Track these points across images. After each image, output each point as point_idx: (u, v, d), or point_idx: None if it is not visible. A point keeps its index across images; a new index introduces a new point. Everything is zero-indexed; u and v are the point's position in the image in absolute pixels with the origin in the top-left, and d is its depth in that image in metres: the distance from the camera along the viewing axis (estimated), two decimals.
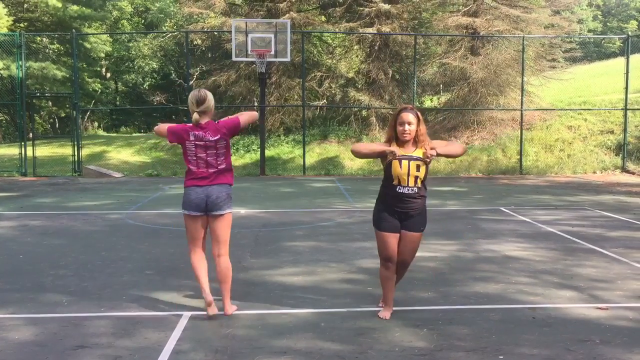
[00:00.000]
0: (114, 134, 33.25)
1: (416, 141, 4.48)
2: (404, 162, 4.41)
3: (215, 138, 4.60)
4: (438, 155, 4.42)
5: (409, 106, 4.53)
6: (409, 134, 4.42)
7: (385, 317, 4.61)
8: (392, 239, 4.55)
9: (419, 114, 4.48)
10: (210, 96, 4.67)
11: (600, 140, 19.02)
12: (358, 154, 4.54)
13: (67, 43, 26.63)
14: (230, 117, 4.77)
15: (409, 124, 4.41)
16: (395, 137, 4.51)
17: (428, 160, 4.42)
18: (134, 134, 33.00)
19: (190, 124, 4.65)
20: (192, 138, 4.60)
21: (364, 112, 21.58)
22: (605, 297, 5.18)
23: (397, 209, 4.52)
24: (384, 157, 4.49)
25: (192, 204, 4.62)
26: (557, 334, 4.27)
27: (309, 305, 4.94)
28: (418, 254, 6.84)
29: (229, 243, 4.81)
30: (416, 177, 4.44)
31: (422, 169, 4.45)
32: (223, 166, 4.66)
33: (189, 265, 6.25)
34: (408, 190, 4.46)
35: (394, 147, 4.41)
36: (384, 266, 4.63)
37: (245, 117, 4.81)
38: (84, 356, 3.90)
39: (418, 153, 4.45)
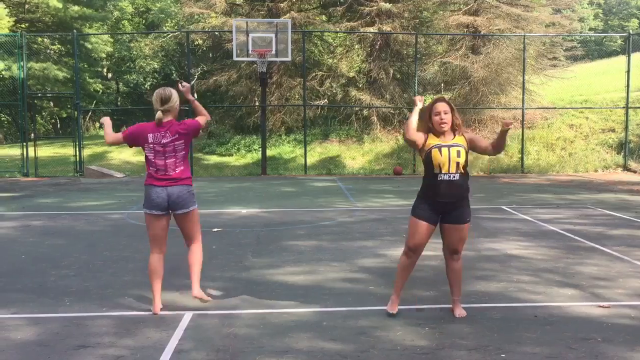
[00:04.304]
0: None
1: (454, 130, 4.49)
2: (444, 150, 4.40)
3: (173, 138, 4.60)
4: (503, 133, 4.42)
5: (442, 97, 4.57)
6: (446, 122, 4.42)
7: (393, 311, 4.60)
8: (424, 228, 4.49)
9: (451, 104, 4.51)
10: (175, 96, 4.65)
11: (602, 138, 19.01)
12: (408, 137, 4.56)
13: (68, 43, 26.63)
14: (191, 119, 4.77)
15: (445, 112, 4.42)
16: (431, 129, 4.49)
17: (507, 128, 4.38)
18: None
19: (150, 123, 4.66)
20: (150, 140, 4.60)
21: (365, 112, 21.58)
22: (607, 295, 5.17)
23: (439, 199, 4.44)
24: (422, 148, 4.49)
25: (153, 203, 4.63)
26: (559, 333, 4.26)
27: (311, 305, 4.94)
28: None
29: (200, 234, 4.86)
30: (457, 163, 4.41)
31: (463, 154, 4.42)
32: (182, 168, 4.66)
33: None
34: (449, 177, 4.41)
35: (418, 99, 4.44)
36: (406, 255, 4.59)
37: (203, 120, 4.80)
38: (86, 356, 3.90)
39: (458, 140, 4.46)
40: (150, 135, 4.60)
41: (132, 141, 4.72)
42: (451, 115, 4.44)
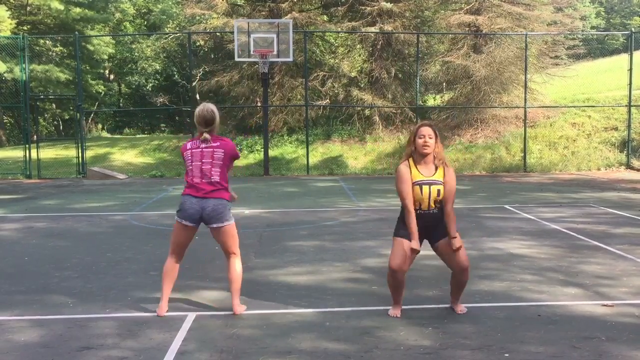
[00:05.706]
0: (118, 136, 33.29)
1: (434, 158, 4.54)
2: (425, 188, 4.47)
3: (214, 145, 4.63)
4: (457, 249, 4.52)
5: (428, 122, 4.69)
6: (429, 146, 4.49)
7: (397, 315, 4.61)
8: (407, 248, 4.52)
9: (436, 131, 4.58)
10: (216, 114, 4.69)
11: (604, 137, 18.97)
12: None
13: (70, 45, 26.69)
14: (233, 146, 4.83)
15: (430, 137, 4.49)
16: (414, 152, 4.58)
17: (455, 249, 4.50)
18: (138, 135, 33.05)
19: (195, 138, 4.76)
20: (189, 147, 4.68)
21: (367, 112, 21.57)
22: (611, 294, 5.16)
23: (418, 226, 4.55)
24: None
25: (186, 213, 4.63)
26: (563, 332, 4.26)
27: (314, 305, 4.94)
28: (423, 252, 6.84)
29: (238, 247, 4.86)
30: (436, 201, 4.51)
31: (442, 192, 4.51)
32: (217, 179, 4.61)
33: (195, 265, 6.29)
34: (428, 211, 4.53)
35: (414, 244, 4.47)
36: (392, 276, 4.58)
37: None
38: (90, 357, 3.91)
39: (438, 176, 4.52)
40: (189, 143, 4.70)
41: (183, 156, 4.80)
42: (435, 141, 4.51)
